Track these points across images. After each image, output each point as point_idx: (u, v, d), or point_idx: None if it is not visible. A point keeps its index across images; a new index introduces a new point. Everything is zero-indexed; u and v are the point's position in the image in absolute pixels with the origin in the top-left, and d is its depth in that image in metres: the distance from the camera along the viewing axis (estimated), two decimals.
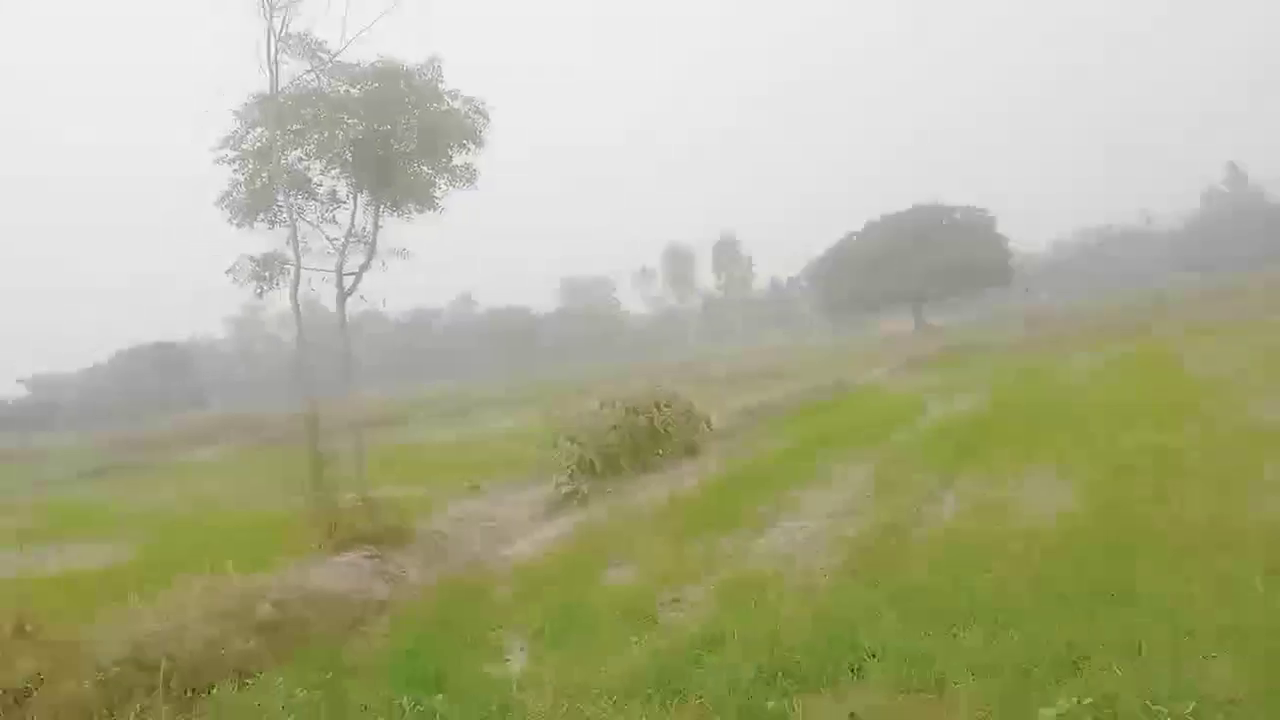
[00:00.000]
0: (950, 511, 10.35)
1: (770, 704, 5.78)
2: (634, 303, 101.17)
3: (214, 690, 7.62)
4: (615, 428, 15.05)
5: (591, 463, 14.47)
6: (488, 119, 14.06)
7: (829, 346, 59.59)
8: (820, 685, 6.03)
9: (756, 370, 40.71)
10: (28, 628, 8.13)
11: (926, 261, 67.13)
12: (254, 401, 65.66)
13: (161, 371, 72.43)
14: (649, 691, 6.22)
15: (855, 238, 74.68)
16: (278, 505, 14.53)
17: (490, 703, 6.65)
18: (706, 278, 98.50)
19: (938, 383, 29.23)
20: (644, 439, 15.38)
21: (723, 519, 11.17)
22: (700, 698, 6.03)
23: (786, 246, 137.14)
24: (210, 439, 38.96)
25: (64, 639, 8.13)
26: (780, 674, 6.16)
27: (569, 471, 14.08)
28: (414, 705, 6.64)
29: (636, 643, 7.46)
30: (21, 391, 75.59)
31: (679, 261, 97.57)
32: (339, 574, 9.80)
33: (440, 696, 6.80)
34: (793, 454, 15.72)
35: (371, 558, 10.39)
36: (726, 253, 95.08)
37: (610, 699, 6.35)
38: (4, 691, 7.43)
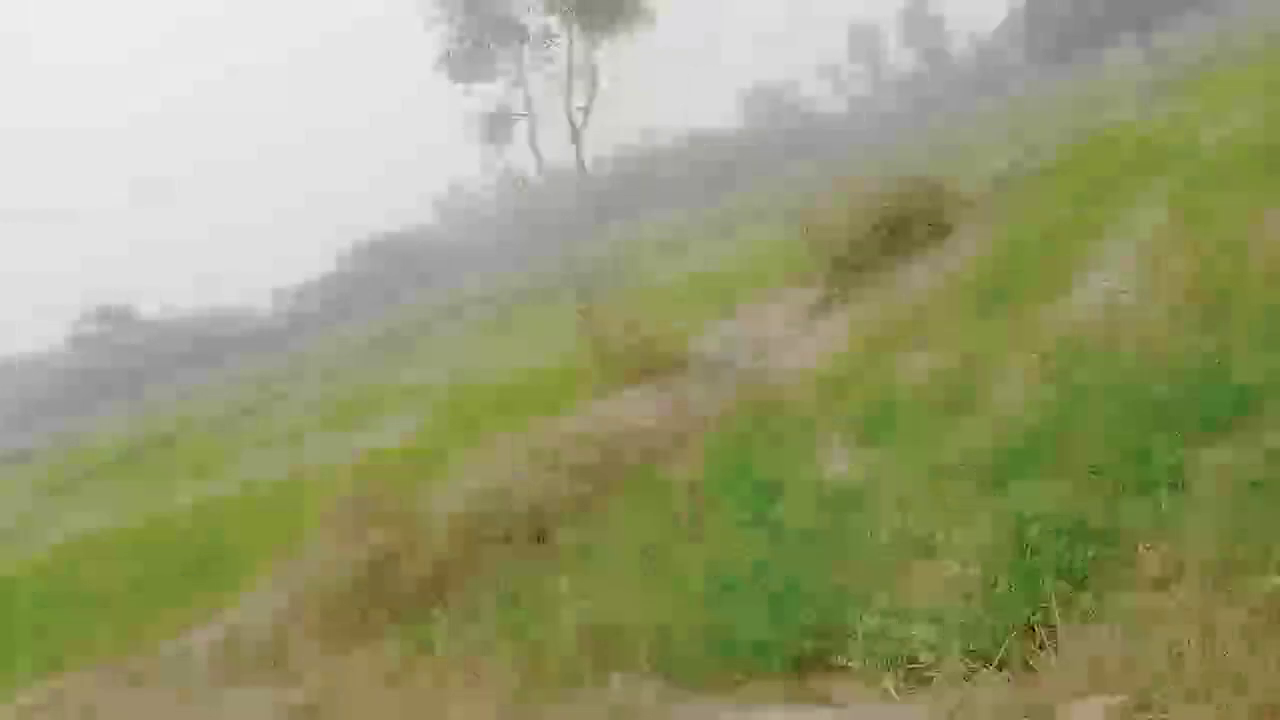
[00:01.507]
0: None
1: (1159, 456, 5.25)
2: (826, 103, 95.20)
3: (558, 530, 7.99)
4: (858, 221, 14.19)
5: (844, 260, 13.81)
6: None
7: (1049, 98, 54.25)
8: (1209, 431, 5.42)
9: (977, 140, 37.75)
10: (376, 504, 8.76)
11: None
12: (473, 273, 68.75)
13: (388, 263, 77.03)
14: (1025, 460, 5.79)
15: None
16: (545, 358, 15.06)
17: (832, 505, 6.52)
18: (900, 57, 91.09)
19: (1196, 107, 25.72)
20: (895, 224, 14.43)
21: (1012, 290, 10.08)
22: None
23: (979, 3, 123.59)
24: (453, 315, 40.99)
25: (407, 510, 8.72)
26: (1155, 426, 5.57)
27: (823, 274, 13.51)
28: (757, 519, 6.62)
29: (969, 426, 7.06)
30: (268, 304, 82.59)
31: (865, 41, 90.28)
32: (634, 408, 9.95)
33: (780, 506, 6.73)
34: (1066, 208, 14.26)
35: (658, 389, 10.47)
36: (916, 20, 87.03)
37: (962, 480, 6.05)
38: (371, 562, 8.17)
